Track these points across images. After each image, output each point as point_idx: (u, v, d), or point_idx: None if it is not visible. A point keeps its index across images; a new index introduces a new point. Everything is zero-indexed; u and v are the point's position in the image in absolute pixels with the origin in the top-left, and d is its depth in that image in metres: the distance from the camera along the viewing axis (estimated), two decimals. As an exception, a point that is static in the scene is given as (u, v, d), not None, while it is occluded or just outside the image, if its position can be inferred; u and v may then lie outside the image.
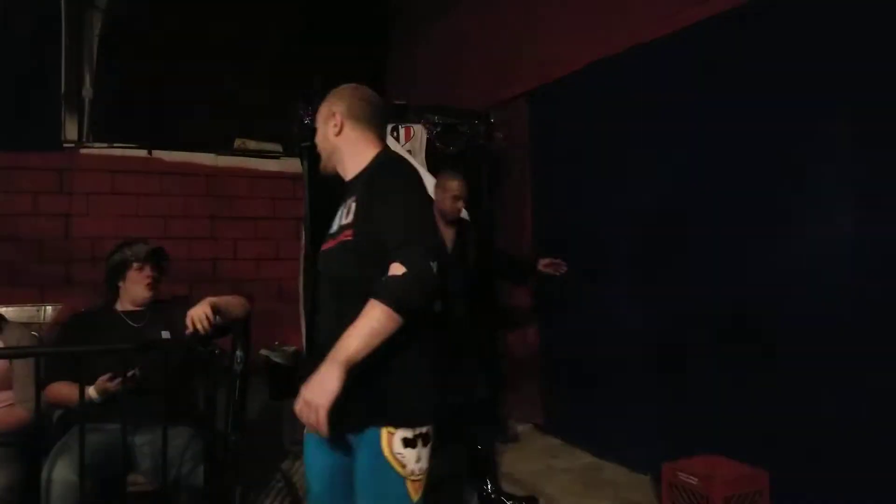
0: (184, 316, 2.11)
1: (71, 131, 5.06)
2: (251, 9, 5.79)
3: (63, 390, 2.34)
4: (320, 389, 1.38)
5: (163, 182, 4.99)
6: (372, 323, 1.41)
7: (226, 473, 2.35)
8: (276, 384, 4.59)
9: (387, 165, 1.67)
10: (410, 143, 4.03)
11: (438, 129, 4.08)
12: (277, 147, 5.52)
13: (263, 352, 4.46)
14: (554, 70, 4.03)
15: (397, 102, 4.24)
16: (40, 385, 2.03)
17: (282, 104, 5.08)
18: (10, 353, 2.32)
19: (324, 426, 1.38)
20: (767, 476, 2.65)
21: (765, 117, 2.76)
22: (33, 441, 2.23)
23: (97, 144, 4.89)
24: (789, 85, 2.68)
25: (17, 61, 4.80)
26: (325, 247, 1.71)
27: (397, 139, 4.02)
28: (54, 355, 2.42)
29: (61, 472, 2.14)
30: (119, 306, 2.64)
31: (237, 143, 5.41)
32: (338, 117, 1.74)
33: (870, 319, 2.42)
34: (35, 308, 4.07)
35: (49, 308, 4.14)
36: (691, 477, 2.63)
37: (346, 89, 1.80)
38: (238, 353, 2.22)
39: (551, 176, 4.25)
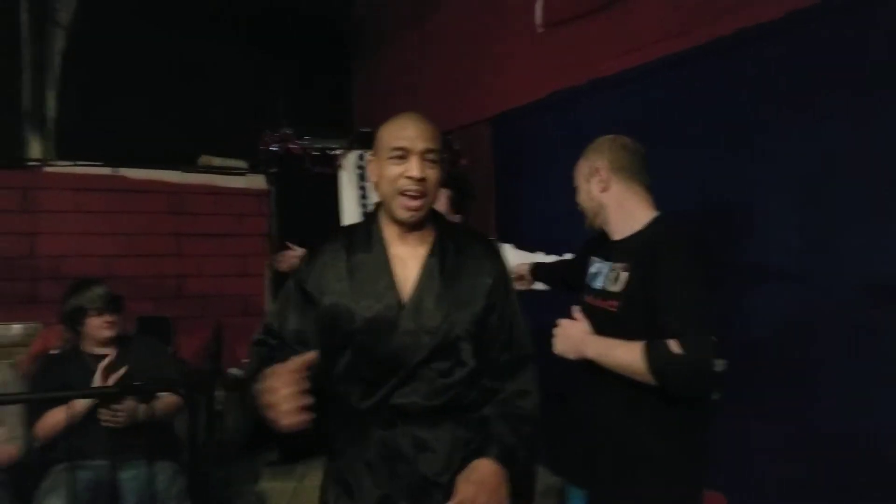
0: (150, 354, 2.48)
1: (34, 149, 5.07)
2: (215, 26, 5.87)
3: (48, 421, 2.43)
4: (574, 343, 1.57)
5: (127, 200, 5.02)
6: (628, 359, 1.42)
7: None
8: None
9: (670, 239, 1.52)
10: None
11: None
12: (242, 164, 5.60)
13: (233, 371, 4.56)
14: (517, 97, 4.18)
15: (363, 130, 4.38)
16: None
17: (246, 120, 5.20)
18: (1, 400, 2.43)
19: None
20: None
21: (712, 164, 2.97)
22: (23, 478, 2.37)
23: (61, 162, 4.90)
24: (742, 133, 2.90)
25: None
26: (587, 299, 1.66)
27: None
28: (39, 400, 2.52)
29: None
30: (85, 347, 2.67)
31: (202, 159, 5.46)
32: (603, 173, 1.62)
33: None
34: (4, 326, 4.17)
35: (15, 326, 4.25)
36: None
37: (604, 142, 1.68)
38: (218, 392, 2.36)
39: (516, 197, 4.42)
